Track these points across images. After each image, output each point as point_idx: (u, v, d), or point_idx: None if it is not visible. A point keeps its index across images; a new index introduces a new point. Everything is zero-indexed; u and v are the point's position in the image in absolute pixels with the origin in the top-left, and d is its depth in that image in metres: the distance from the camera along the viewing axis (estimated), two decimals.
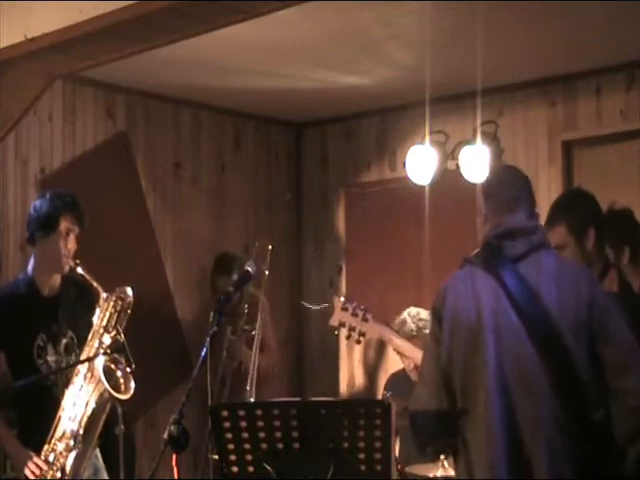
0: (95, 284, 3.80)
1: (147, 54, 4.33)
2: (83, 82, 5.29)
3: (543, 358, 2.55)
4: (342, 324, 3.46)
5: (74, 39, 3.93)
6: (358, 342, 3.51)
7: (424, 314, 4.84)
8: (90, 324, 3.83)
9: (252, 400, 4.59)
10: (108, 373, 3.67)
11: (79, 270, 3.82)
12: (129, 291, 3.81)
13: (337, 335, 3.63)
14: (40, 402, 3.78)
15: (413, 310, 4.78)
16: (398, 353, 4.96)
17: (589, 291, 2.63)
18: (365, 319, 3.42)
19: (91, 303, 3.91)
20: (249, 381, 4.55)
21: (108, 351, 3.65)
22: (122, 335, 3.70)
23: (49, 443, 3.66)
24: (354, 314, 3.43)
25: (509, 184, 2.84)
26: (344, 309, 3.43)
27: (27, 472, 3.63)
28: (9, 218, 5.01)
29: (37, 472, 3.62)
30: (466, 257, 2.78)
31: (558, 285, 2.62)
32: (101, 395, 3.69)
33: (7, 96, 4.44)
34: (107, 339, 3.71)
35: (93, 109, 5.43)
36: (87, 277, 3.81)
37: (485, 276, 2.67)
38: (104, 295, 3.79)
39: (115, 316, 3.77)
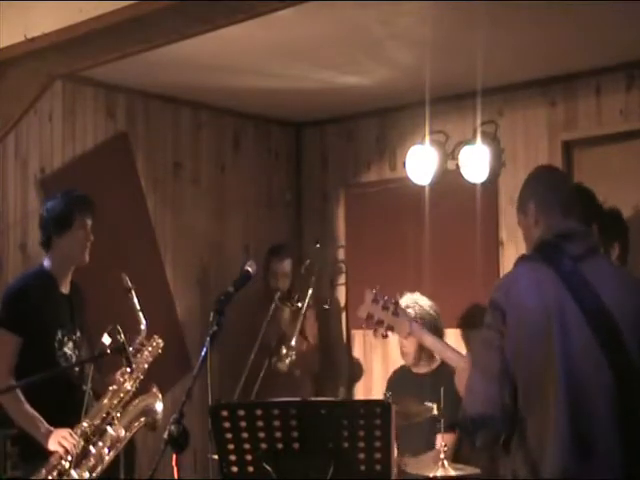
0: (142, 319, 4.05)
1: (147, 54, 4.33)
2: (83, 82, 5.29)
3: (605, 355, 2.63)
4: (370, 316, 3.29)
5: (74, 39, 3.93)
6: (385, 336, 3.34)
7: (422, 300, 4.89)
8: (82, 324, 4.09)
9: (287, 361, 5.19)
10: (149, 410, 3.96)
11: (134, 300, 4.03)
12: (161, 342, 4.12)
13: (364, 328, 3.46)
14: (57, 395, 3.88)
15: (409, 298, 4.83)
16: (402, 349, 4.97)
17: None
18: (396, 313, 3.26)
19: (83, 303, 4.19)
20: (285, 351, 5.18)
21: (108, 351, 3.66)
22: (122, 335, 3.71)
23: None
24: (385, 307, 3.28)
25: (559, 188, 2.92)
26: (375, 301, 3.28)
27: (57, 445, 3.70)
28: (9, 218, 5.01)
29: (67, 444, 3.70)
30: (524, 255, 2.83)
31: (615, 286, 2.72)
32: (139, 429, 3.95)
33: (7, 96, 4.44)
34: (105, 336, 3.74)
35: (93, 109, 5.43)
36: (137, 308, 4.04)
37: (549, 272, 2.71)
38: (159, 340, 4.12)
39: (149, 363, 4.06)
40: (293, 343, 5.30)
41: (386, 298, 3.29)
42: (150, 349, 4.05)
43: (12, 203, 5.03)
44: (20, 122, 4.87)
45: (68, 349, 4.00)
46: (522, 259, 2.83)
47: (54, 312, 4.00)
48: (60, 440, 3.70)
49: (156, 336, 4.09)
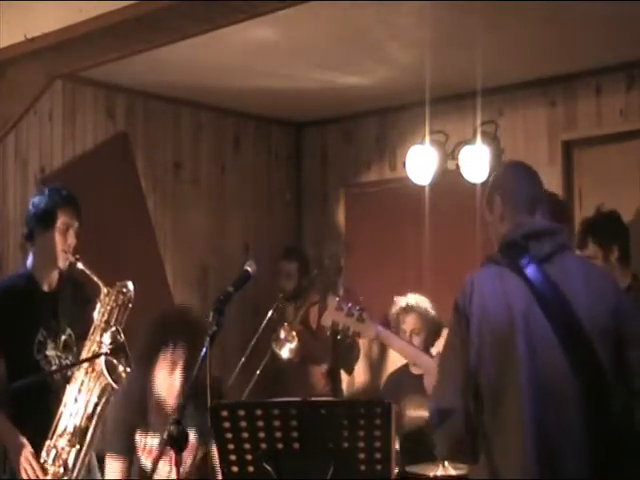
0: (96, 279, 3.80)
1: (147, 54, 4.34)
2: (83, 82, 5.29)
3: (572, 361, 2.54)
4: (335, 324, 3.33)
5: (74, 39, 3.93)
6: (351, 342, 3.41)
7: (423, 302, 4.90)
8: (86, 321, 3.83)
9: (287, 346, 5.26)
10: (109, 367, 3.67)
11: (79, 265, 3.82)
12: (130, 285, 3.81)
13: (330, 334, 3.51)
14: (39, 399, 3.76)
15: (412, 297, 4.87)
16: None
17: (615, 296, 2.64)
18: (361, 319, 3.28)
19: (87, 299, 3.91)
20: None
21: (108, 351, 3.64)
22: (122, 335, 3.70)
23: (51, 439, 3.66)
24: (349, 314, 3.29)
25: (527, 183, 2.80)
26: (338, 309, 3.31)
27: (21, 468, 3.60)
28: (9, 218, 5.01)
29: (30, 474, 3.59)
30: (490, 256, 2.73)
31: (584, 288, 2.62)
32: (103, 390, 3.68)
33: (7, 96, 4.44)
34: (105, 336, 3.70)
35: (93, 109, 5.43)
36: (88, 272, 3.81)
37: (513, 276, 2.63)
38: (105, 290, 3.79)
39: (116, 310, 3.77)
40: (287, 325, 5.38)
41: (350, 305, 3.30)
42: (113, 297, 3.78)
43: (12, 203, 5.03)
44: (20, 122, 4.87)
45: (50, 351, 3.82)
46: (487, 261, 2.73)
47: (32, 313, 3.83)
48: (26, 468, 3.60)
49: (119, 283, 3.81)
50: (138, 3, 3.62)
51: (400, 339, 3.37)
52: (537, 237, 2.67)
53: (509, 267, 2.64)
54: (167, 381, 3.31)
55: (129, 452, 3.36)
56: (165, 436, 2.68)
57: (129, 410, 3.35)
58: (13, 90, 4.44)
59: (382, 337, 3.28)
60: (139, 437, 3.36)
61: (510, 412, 2.55)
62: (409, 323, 4.78)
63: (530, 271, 2.62)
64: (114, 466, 3.35)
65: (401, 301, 4.89)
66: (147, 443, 3.36)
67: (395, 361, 5.51)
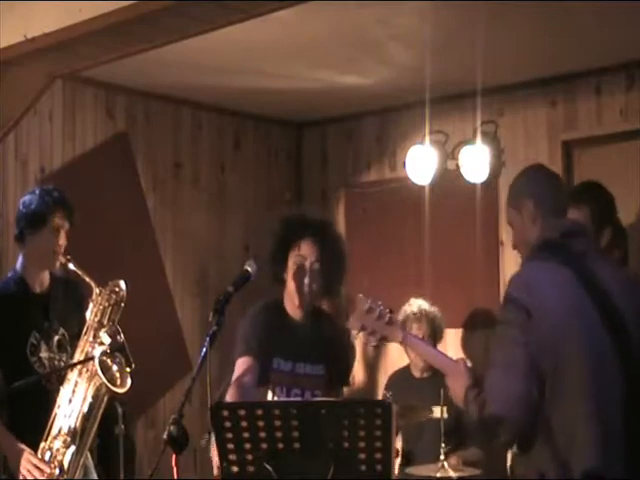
0: (88, 279, 3.78)
1: (147, 54, 4.34)
2: (83, 82, 5.29)
3: (617, 355, 2.66)
4: (364, 328, 3.13)
5: (74, 39, 3.94)
6: (376, 347, 3.28)
7: (425, 305, 4.95)
8: (80, 321, 3.81)
9: None
10: (104, 367, 3.65)
11: (71, 266, 3.79)
12: (122, 284, 3.79)
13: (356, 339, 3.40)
14: (34, 400, 3.73)
15: (414, 303, 4.89)
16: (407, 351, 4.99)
17: None
18: (390, 322, 3.11)
19: (80, 300, 3.89)
20: None
21: (108, 351, 3.63)
22: (121, 335, 3.69)
23: (45, 441, 3.64)
24: (380, 317, 3.11)
25: (556, 185, 2.95)
26: (369, 312, 3.11)
27: (24, 471, 3.58)
28: (9, 218, 5.00)
29: (36, 473, 3.57)
30: (531, 252, 2.83)
31: (616, 285, 2.75)
32: (98, 390, 3.67)
33: (7, 96, 4.45)
34: (104, 336, 3.68)
35: (93, 109, 5.43)
36: (79, 272, 3.79)
37: (563, 270, 2.73)
38: (97, 290, 3.77)
39: (109, 310, 3.76)
40: None
41: (381, 307, 3.15)
42: (106, 297, 3.77)
43: (12, 203, 5.02)
44: (20, 122, 4.88)
45: (44, 353, 3.78)
46: (530, 257, 2.83)
47: (24, 316, 3.79)
48: (29, 469, 3.57)
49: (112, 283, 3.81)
50: (138, 3, 3.62)
51: (425, 343, 3.28)
52: (574, 235, 2.81)
53: (558, 261, 2.75)
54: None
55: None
56: (165, 436, 2.68)
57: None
58: (13, 90, 4.45)
59: (408, 342, 3.16)
60: None
61: (577, 401, 2.63)
62: (418, 329, 4.85)
63: (578, 265, 2.74)
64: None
65: (410, 308, 4.94)
66: None
67: (395, 362, 5.51)
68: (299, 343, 3.65)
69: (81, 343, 3.76)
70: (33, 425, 3.69)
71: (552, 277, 2.73)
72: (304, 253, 3.61)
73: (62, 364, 3.82)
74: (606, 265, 2.84)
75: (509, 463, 4.78)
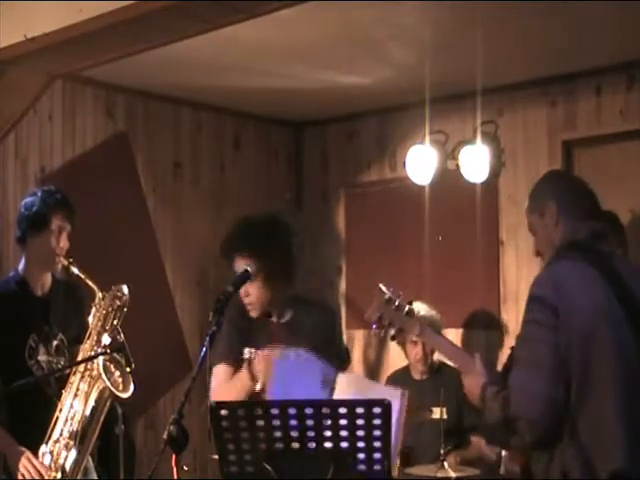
0: (91, 283, 3.77)
1: (147, 54, 4.34)
2: (83, 82, 5.29)
3: None
4: (383, 319, 2.97)
5: (74, 39, 3.94)
6: (393, 339, 3.03)
7: (423, 308, 4.90)
8: (79, 325, 3.81)
9: None
10: (106, 371, 3.65)
11: (73, 269, 3.78)
12: (125, 289, 3.79)
13: (373, 331, 3.27)
14: (32, 404, 3.72)
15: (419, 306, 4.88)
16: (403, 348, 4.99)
17: None
18: (409, 314, 2.97)
19: (80, 304, 3.88)
20: None
21: (108, 351, 3.63)
22: (121, 335, 3.68)
23: (46, 444, 3.63)
24: (399, 308, 2.97)
25: (578, 188, 2.97)
26: (389, 302, 2.96)
27: (22, 470, 3.57)
28: (9, 217, 5.01)
29: (34, 473, 3.56)
30: (557, 252, 2.83)
31: (638, 286, 2.76)
32: (100, 394, 3.66)
33: (7, 96, 4.45)
34: (106, 338, 3.68)
35: (93, 109, 5.43)
36: (83, 276, 3.78)
37: (591, 270, 2.73)
38: (100, 294, 3.77)
39: (112, 314, 3.75)
40: None
41: (401, 298, 3.00)
42: (109, 301, 3.77)
43: (12, 203, 5.02)
44: (20, 122, 4.88)
45: (42, 356, 3.77)
46: (558, 257, 2.82)
47: (23, 318, 3.77)
48: (28, 468, 3.57)
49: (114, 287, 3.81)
50: (138, 3, 3.62)
51: (443, 338, 3.17)
52: (599, 237, 2.82)
53: (585, 261, 2.75)
54: None
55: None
56: (165, 436, 2.69)
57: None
58: (13, 90, 4.45)
59: (425, 334, 3.04)
60: None
61: (603, 401, 2.62)
62: None
63: (605, 266, 2.75)
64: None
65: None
66: None
67: (395, 362, 5.51)
68: (271, 341, 3.57)
69: (85, 347, 3.75)
70: (31, 429, 3.68)
71: (580, 276, 2.72)
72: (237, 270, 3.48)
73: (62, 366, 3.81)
74: (630, 267, 2.85)
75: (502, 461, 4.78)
